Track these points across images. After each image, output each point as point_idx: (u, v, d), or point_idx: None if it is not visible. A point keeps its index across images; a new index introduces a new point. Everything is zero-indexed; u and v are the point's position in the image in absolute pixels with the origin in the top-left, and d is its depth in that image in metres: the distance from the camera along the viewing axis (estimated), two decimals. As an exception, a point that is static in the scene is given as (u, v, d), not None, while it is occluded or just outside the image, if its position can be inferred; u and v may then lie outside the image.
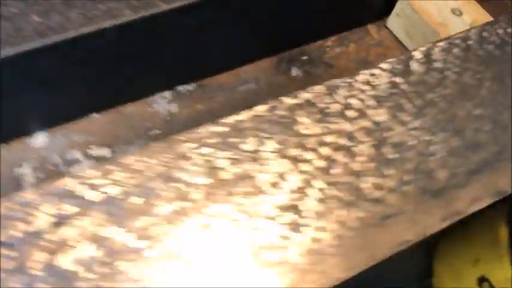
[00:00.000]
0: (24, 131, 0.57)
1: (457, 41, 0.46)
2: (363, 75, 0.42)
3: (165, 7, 0.52)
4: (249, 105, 0.66)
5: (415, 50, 0.45)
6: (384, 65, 0.43)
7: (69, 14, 0.51)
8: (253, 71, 0.68)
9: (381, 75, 0.43)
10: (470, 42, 0.46)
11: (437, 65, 0.44)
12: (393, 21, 0.72)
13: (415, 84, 0.43)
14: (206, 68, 0.65)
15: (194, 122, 0.63)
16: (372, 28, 0.75)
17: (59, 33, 0.50)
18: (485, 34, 0.47)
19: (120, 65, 0.58)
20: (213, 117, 0.65)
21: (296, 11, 0.66)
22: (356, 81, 0.43)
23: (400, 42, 0.73)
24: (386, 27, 0.74)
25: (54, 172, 0.57)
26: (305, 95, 0.42)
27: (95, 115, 0.62)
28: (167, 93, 0.65)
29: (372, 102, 0.41)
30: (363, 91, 0.42)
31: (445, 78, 0.43)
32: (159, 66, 0.61)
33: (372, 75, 0.43)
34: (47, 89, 0.56)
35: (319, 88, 0.42)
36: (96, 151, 0.60)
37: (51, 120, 0.60)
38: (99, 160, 0.59)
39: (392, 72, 0.43)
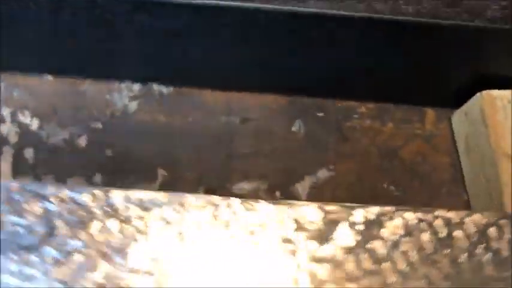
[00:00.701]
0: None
1: (451, 221, 0.27)
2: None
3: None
4: (215, 146, 0.54)
5: (362, 207, 0.28)
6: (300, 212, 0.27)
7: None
8: (247, 104, 0.54)
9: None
10: (470, 230, 0.27)
11: (379, 248, 0.27)
12: (458, 118, 0.52)
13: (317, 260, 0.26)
14: (190, 74, 0.52)
15: (140, 134, 0.52)
16: (430, 114, 0.55)
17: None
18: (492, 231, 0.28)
19: (74, 30, 0.47)
20: (165, 141, 0.54)
21: (334, 51, 0.49)
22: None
23: (455, 148, 0.53)
24: (450, 120, 0.54)
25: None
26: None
27: (48, 77, 0.53)
28: (136, 86, 0.53)
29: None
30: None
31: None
32: (130, 49, 0.50)
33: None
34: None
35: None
36: (25, 118, 0.51)
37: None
38: (22, 127, 0.51)
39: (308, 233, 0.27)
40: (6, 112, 0.51)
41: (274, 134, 0.53)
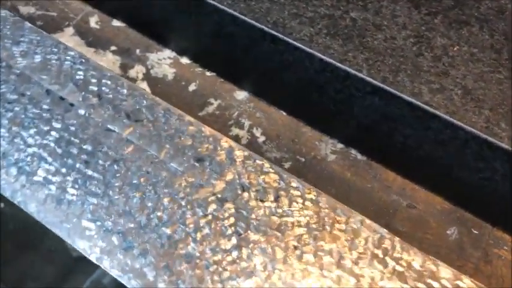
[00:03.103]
0: None
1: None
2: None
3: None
4: (379, 212, 0.64)
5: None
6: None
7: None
8: (418, 196, 0.65)
9: None
10: None
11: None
12: None
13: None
14: (385, 154, 0.65)
15: (326, 179, 0.66)
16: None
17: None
18: None
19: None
20: (341, 192, 0.66)
21: None
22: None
23: None
24: None
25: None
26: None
27: (283, 113, 0.71)
28: (339, 145, 0.68)
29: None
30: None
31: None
32: (349, 117, 0.65)
33: None
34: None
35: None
36: (257, 132, 0.70)
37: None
38: (252, 138, 0.69)
39: None
40: (246, 123, 0.70)
41: (430, 228, 0.62)
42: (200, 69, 0.75)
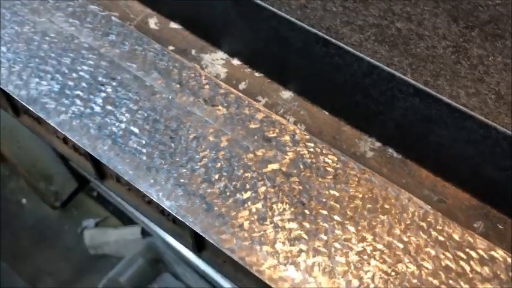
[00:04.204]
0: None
1: None
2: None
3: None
4: None
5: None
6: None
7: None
8: (448, 192, 0.71)
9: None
10: None
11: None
12: None
13: None
14: (419, 153, 0.72)
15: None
16: None
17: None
18: None
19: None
20: None
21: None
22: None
23: None
24: None
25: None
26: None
27: (325, 112, 0.78)
28: (378, 144, 0.75)
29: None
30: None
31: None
32: (388, 119, 0.71)
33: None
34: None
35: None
36: (300, 127, 0.76)
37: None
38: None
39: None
40: (291, 119, 0.77)
41: (458, 221, 0.68)
42: (250, 70, 0.82)
